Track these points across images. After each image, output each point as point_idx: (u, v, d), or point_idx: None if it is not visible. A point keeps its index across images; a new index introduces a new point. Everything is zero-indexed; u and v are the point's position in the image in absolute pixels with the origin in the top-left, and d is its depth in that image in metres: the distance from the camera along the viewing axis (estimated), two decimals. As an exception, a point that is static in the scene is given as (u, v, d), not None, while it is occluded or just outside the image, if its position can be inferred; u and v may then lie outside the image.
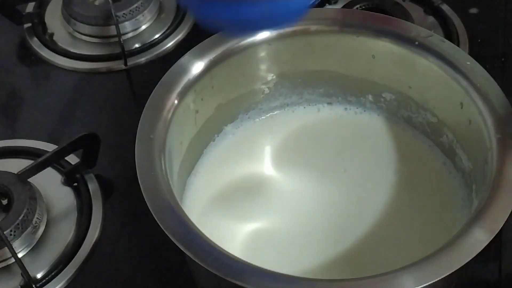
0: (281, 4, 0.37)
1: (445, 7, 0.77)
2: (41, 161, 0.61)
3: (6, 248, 0.56)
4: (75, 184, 0.63)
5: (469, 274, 0.55)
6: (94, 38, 0.78)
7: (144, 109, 0.53)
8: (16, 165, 0.62)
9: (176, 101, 0.54)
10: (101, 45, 0.77)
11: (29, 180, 0.60)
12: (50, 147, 0.66)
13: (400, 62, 0.58)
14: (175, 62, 0.57)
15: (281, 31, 0.58)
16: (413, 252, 0.50)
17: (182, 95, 0.54)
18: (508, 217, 0.45)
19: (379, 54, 0.59)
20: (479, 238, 0.44)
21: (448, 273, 0.43)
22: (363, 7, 0.74)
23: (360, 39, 0.58)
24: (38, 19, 0.80)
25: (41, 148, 0.66)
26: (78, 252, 0.59)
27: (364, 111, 0.64)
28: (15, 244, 0.57)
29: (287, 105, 0.64)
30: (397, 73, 0.59)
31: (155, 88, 0.55)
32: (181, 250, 0.44)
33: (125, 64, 0.75)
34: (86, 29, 0.78)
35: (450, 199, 0.57)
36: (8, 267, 0.58)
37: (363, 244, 0.55)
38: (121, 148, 0.66)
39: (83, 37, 0.78)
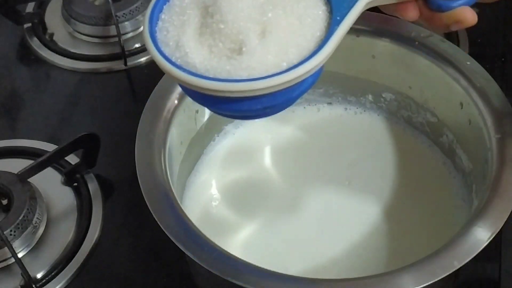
0: (281, 96, 0.39)
1: (445, 7, 0.77)
2: (41, 161, 0.61)
3: (6, 248, 0.56)
4: (75, 184, 0.63)
5: (469, 274, 0.55)
6: (94, 38, 0.78)
7: (144, 109, 0.53)
8: (16, 165, 0.62)
9: (176, 101, 0.54)
10: (101, 45, 0.77)
11: (29, 180, 0.60)
12: (50, 147, 0.66)
13: (400, 62, 0.58)
14: (175, 62, 0.56)
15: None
16: (413, 252, 0.50)
17: (182, 95, 0.54)
18: (508, 217, 0.45)
19: (379, 54, 0.59)
20: (479, 238, 0.44)
21: (448, 273, 0.43)
22: (363, 7, 0.74)
23: (360, 39, 0.58)
24: (38, 19, 0.80)
25: (41, 148, 0.66)
26: (78, 252, 0.59)
27: (364, 111, 0.64)
28: (15, 244, 0.57)
29: (287, 105, 0.64)
30: (397, 73, 0.59)
31: (155, 88, 0.55)
32: (181, 250, 0.44)
33: (125, 64, 0.75)
34: (86, 29, 0.78)
35: (450, 199, 0.57)
36: (8, 267, 0.58)
37: (363, 244, 0.54)
38: (121, 148, 0.66)
39: (83, 37, 0.78)
